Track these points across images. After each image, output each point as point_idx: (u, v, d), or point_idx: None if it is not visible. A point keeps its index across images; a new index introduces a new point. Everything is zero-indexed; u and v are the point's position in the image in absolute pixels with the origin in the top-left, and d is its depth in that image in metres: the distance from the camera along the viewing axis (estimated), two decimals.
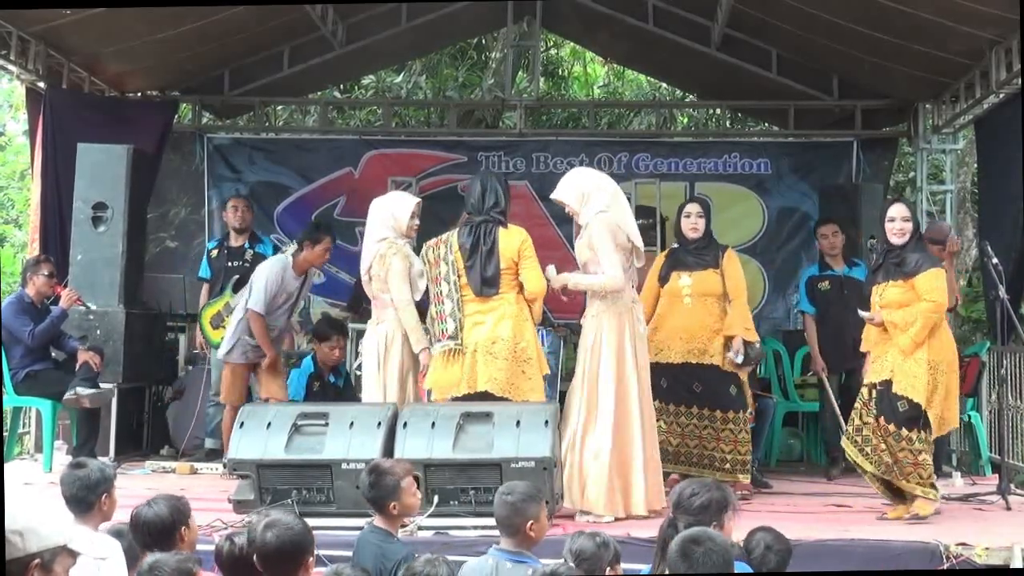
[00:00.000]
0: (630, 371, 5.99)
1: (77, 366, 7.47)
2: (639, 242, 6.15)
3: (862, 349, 6.45)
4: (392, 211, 6.45)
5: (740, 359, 6.66)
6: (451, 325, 6.08)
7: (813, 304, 8.09)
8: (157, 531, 4.04)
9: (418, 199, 6.70)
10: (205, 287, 8.56)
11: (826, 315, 7.98)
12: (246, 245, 8.50)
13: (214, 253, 8.54)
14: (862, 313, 6.22)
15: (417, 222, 6.51)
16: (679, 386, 6.73)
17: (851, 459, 6.29)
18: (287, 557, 3.69)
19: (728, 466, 6.67)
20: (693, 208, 7.02)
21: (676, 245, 7.09)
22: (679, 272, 6.84)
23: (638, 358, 6.05)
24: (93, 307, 7.95)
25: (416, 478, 4.86)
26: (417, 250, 6.49)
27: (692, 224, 6.92)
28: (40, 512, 2.71)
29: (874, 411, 6.11)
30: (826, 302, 8.00)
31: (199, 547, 4.46)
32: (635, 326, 6.08)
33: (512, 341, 5.98)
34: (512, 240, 6.09)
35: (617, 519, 5.83)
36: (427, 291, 6.36)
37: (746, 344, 6.70)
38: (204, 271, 8.56)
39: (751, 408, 6.87)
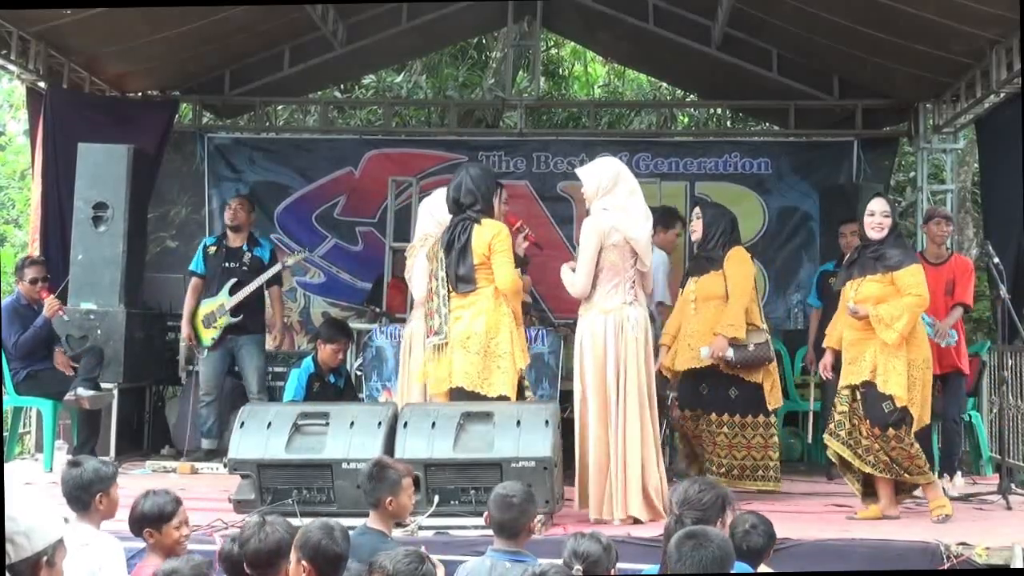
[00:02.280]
0: (611, 374, 5.94)
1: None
2: (639, 246, 6.04)
3: (825, 345, 6.46)
4: (431, 209, 6.56)
5: (704, 352, 6.61)
6: (437, 321, 6.13)
7: (821, 299, 8.06)
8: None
9: None
10: (195, 281, 8.40)
11: (832, 311, 7.95)
12: (244, 247, 8.43)
13: (211, 250, 8.46)
14: (850, 306, 6.10)
15: None
16: (695, 393, 6.80)
17: (834, 454, 6.20)
18: (274, 558, 3.72)
19: (749, 472, 6.77)
20: (695, 212, 7.05)
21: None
22: (691, 277, 6.89)
23: (626, 361, 5.95)
24: (87, 306, 7.95)
25: (416, 480, 4.87)
26: None
27: (693, 227, 6.96)
28: (36, 509, 2.75)
29: (860, 413, 6.09)
30: (834, 298, 7.96)
31: (200, 547, 4.48)
32: (625, 327, 5.98)
33: (485, 336, 5.99)
34: (484, 235, 6.09)
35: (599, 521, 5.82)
36: None
37: (733, 345, 6.63)
38: (198, 265, 8.45)
39: (770, 410, 6.82)
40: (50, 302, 7.56)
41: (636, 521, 5.81)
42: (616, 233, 6.02)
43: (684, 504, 3.99)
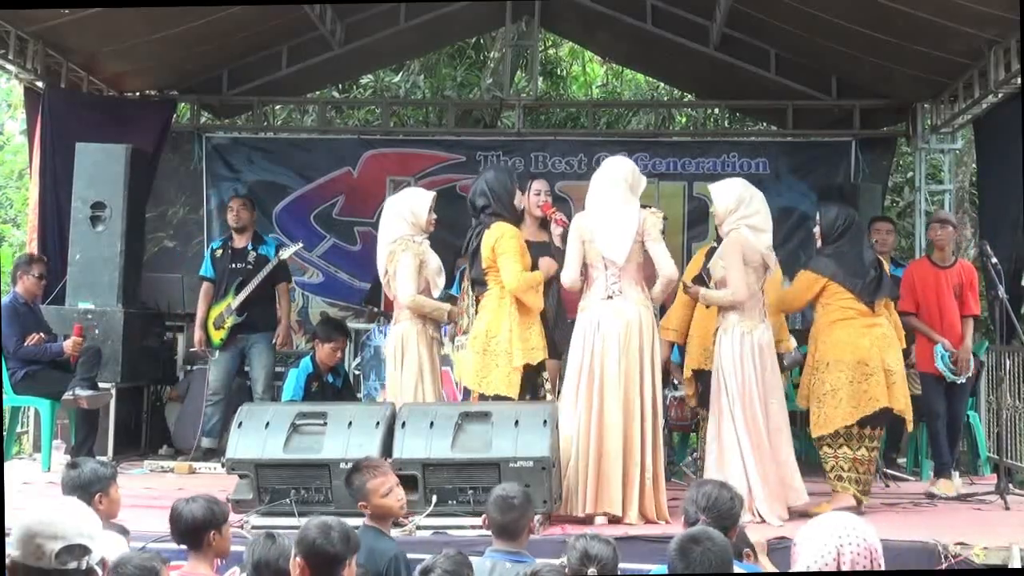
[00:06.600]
0: (584, 374, 5.93)
1: (72, 363, 7.44)
2: (598, 243, 5.97)
3: None
4: (411, 207, 6.46)
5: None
6: (466, 321, 6.39)
7: None
8: (187, 529, 4.16)
9: (434, 193, 6.67)
10: (206, 286, 8.41)
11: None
12: (249, 246, 8.42)
13: (218, 253, 8.46)
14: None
15: (434, 216, 6.51)
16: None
17: None
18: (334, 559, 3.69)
19: None
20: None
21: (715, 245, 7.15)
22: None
23: (603, 359, 5.89)
24: (85, 306, 7.93)
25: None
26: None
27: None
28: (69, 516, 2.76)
29: None
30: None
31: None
32: (602, 324, 5.92)
33: (485, 336, 6.10)
34: (489, 238, 6.18)
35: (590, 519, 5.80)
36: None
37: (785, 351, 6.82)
38: (207, 270, 8.46)
39: None
40: (75, 341, 7.46)
41: (615, 519, 5.75)
42: (587, 231, 6.05)
43: (711, 510, 3.99)
